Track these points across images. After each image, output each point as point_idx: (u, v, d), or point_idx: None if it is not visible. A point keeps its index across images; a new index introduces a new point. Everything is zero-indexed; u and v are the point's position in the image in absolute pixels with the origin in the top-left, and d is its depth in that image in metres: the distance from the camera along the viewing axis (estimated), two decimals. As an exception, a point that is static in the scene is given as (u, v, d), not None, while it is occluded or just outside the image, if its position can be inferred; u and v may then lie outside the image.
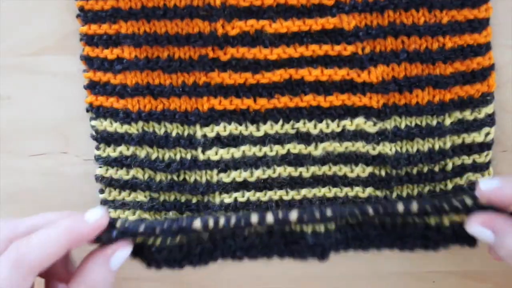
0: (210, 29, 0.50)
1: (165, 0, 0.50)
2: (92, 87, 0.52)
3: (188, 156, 0.52)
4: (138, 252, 0.47)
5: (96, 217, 0.44)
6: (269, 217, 0.45)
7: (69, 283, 0.43)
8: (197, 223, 0.45)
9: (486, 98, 0.51)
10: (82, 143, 0.53)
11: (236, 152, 0.52)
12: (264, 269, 0.53)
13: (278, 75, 0.51)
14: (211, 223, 0.45)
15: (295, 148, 0.52)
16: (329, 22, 0.50)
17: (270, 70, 0.51)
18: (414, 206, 0.45)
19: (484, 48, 0.50)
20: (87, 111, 0.52)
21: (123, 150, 0.52)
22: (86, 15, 0.51)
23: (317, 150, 0.51)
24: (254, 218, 0.45)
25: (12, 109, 0.54)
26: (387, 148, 0.51)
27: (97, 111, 0.52)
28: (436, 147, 0.51)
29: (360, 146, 0.51)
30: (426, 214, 0.45)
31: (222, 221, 0.45)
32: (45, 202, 0.54)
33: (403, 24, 0.50)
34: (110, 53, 0.51)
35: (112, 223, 0.45)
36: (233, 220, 0.45)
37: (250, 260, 0.49)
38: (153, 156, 0.52)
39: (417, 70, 0.50)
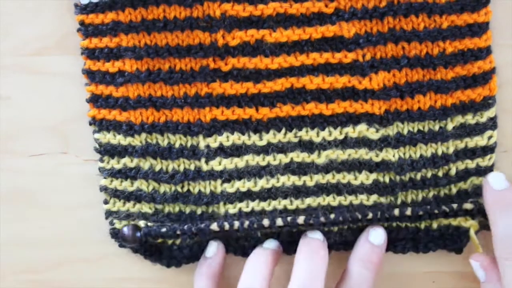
0: (210, 40, 0.50)
1: (165, 12, 0.50)
2: (95, 100, 0.52)
3: (192, 167, 0.52)
4: (159, 254, 0.53)
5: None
6: (279, 221, 0.50)
7: None
8: (214, 226, 0.51)
9: (487, 102, 0.51)
10: (82, 143, 0.54)
11: (240, 162, 0.52)
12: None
13: (279, 84, 0.51)
14: (226, 226, 0.51)
15: (298, 156, 0.52)
16: (329, 30, 0.50)
17: (271, 79, 0.51)
18: (408, 211, 0.50)
19: (484, 52, 0.50)
20: (90, 124, 0.53)
21: (127, 162, 0.53)
22: (87, 29, 0.51)
23: (320, 158, 0.52)
24: (266, 221, 0.51)
25: (12, 109, 0.54)
26: (390, 155, 0.51)
27: (100, 124, 0.52)
28: (439, 152, 0.51)
29: (363, 153, 0.51)
30: (419, 217, 0.50)
31: (236, 224, 0.51)
32: (45, 202, 0.55)
33: (403, 30, 0.50)
34: (111, 66, 0.51)
35: (137, 226, 0.52)
36: (246, 223, 0.51)
37: None
38: (157, 168, 0.52)
39: (418, 75, 0.50)
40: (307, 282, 0.47)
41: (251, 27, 0.50)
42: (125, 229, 0.52)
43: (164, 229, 0.51)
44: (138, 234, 0.51)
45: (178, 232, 0.51)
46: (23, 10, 0.53)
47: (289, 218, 0.50)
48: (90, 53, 0.51)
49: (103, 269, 0.55)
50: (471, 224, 0.51)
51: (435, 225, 0.52)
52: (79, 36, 0.52)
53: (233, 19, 0.50)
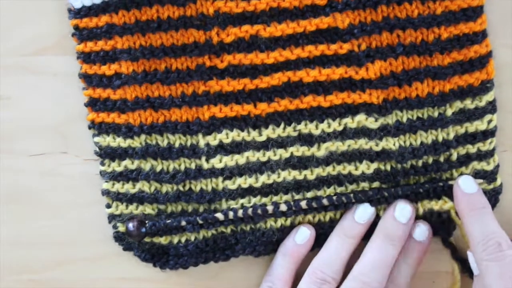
0: (205, 38, 0.50)
1: (159, 13, 0.50)
2: (93, 104, 0.52)
3: (193, 166, 0.52)
4: (166, 257, 0.53)
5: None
6: (283, 206, 0.51)
7: None
8: (219, 215, 0.51)
9: (486, 86, 0.51)
10: (82, 143, 0.54)
11: (240, 159, 0.52)
12: (263, 269, 0.53)
13: (276, 79, 0.51)
14: (231, 214, 0.51)
15: (298, 150, 0.52)
16: (323, 22, 0.50)
17: (268, 74, 0.51)
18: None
19: (480, 36, 0.50)
20: (89, 128, 0.53)
21: (128, 164, 0.53)
22: (81, 33, 0.51)
23: (320, 150, 0.51)
24: (269, 207, 0.51)
25: (12, 109, 0.54)
26: (391, 143, 0.51)
27: (99, 128, 0.52)
28: (440, 138, 0.51)
29: (363, 143, 0.51)
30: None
31: (240, 211, 0.51)
32: (45, 202, 0.55)
33: (397, 18, 0.49)
34: (108, 69, 0.51)
35: (141, 221, 0.52)
36: (250, 210, 0.51)
37: (266, 255, 0.53)
38: (158, 168, 0.52)
39: (415, 63, 0.50)
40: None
41: (245, 23, 0.50)
42: (130, 225, 0.52)
43: (169, 221, 0.52)
44: (143, 229, 0.52)
45: (183, 223, 0.51)
46: (23, 10, 0.53)
47: (292, 203, 0.51)
48: (86, 57, 0.52)
49: (103, 269, 0.55)
50: (450, 207, 0.51)
51: (420, 210, 0.51)
52: (74, 40, 0.52)
53: (226, 16, 0.50)
